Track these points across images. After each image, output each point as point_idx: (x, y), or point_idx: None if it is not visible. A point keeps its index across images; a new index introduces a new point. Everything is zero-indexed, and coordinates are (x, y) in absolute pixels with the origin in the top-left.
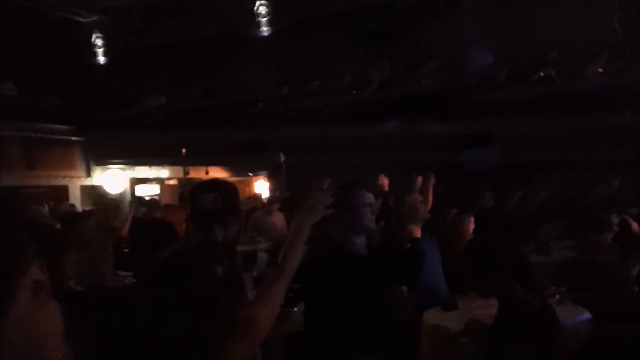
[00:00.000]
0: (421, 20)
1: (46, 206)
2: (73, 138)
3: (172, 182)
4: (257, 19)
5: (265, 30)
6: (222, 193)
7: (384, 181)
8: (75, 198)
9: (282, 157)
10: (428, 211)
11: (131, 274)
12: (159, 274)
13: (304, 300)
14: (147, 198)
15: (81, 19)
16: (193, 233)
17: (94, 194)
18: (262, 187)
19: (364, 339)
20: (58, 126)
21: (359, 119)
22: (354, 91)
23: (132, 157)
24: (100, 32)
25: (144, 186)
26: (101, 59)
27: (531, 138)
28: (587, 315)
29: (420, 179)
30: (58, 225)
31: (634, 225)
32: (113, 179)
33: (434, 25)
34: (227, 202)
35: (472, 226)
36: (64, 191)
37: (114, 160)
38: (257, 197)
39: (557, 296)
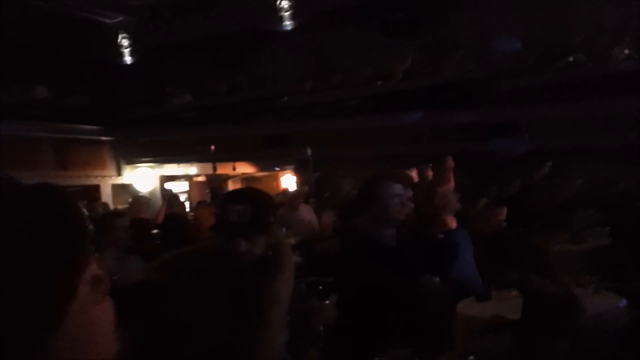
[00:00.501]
0: (446, 9)
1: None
2: (103, 138)
3: (200, 178)
4: (280, 14)
5: (288, 24)
6: (253, 206)
7: (413, 172)
8: (107, 197)
9: (309, 151)
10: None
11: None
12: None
13: (335, 294)
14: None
15: (107, 20)
16: (211, 239)
17: (125, 192)
18: (289, 181)
19: (397, 330)
20: (88, 126)
21: (384, 110)
22: (379, 82)
23: (161, 155)
24: (126, 32)
25: (172, 183)
26: (128, 59)
27: (560, 124)
28: (623, 302)
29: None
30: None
31: None
32: (143, 177)
33: (460, 13)
34: (257, 216)
35: (503, 215)
36: (96, 190)
37: (143, 159)
38: (285, 193)
39: (593, 285)
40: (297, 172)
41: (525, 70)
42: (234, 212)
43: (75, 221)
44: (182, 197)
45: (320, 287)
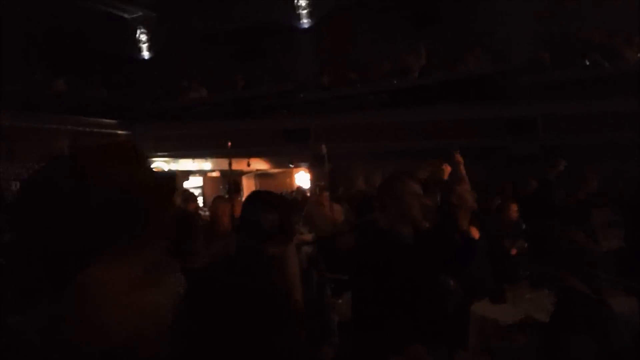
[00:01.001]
0: (465, 5)
1: None
2: (119, 131)
3: (215, 174)
4: (297, 9)
5: (305, 19)
6: (281, 215)
7: (447, 168)
8: None
9: (325, 148)
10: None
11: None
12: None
13: (349, 291)
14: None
15: (126, 15)
16: (233, 235)
17: None
18: (303, 178)
19: (411, 329)
20: (104, 120)
21: (400, 106)
22: (395, 78)
23: (176, 150)
24: (144, 27)
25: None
26: (145, 53)
27: (578, 121)
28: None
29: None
30: None
31: None
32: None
33: (479, 9)
34: (284, 224)
35: (515, 213)
36: None
37: (159, 153)
38: (299, 190)
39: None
40: (312, 168)
41: (542, 68)
42: (265, 220)
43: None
44: (196, 192)
45: (333, 285)
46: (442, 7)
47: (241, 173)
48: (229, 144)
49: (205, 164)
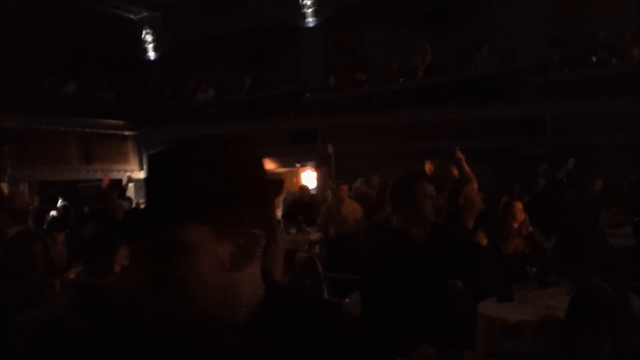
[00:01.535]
0: (473, 6)
1: None
2: (127, 132)
3: None
4: (303, 10)
5: (311, 20)
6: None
7: (454, 171)
8: (129, 191)
9: (331, 148)
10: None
11: None
12: None
13: (357, 291)
14: None
15: (132, 16)
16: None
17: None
18: (309, 178)
19: (420, 330)
20: (112, 121)
21: (409, 106)
22: (402, 80)
23: None
24: (151, 28)
25: None
26: (152, 55)
27: (586, 121)
28: None
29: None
30: None
31: None
32: None
33: (487, 10)
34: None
35: (521, 212)
36: (119, 184)
37: None
38: (304, 189)
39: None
40: (319, 168)
41: (550, 67)
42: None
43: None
44: None
45: (340, 284)
46: (450, 7)
47: None
48: None
49: None
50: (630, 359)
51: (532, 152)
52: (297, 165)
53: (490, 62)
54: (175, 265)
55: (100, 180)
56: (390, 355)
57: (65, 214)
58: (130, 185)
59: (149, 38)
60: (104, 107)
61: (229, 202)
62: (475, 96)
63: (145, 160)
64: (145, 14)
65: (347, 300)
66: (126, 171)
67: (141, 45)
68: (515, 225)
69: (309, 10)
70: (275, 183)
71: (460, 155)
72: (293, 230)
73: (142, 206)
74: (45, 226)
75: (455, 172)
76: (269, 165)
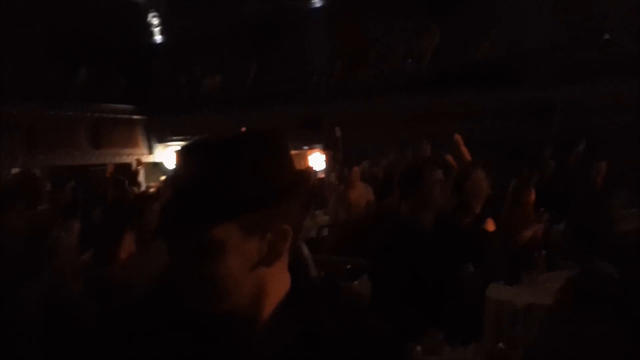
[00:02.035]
0: None
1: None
2: (135, 117)
3: None
4: None
5: (317, 3)
6: None
7: (449, 158)
8: (139, 175)
9: (339, 131)
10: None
11: None
12: None
13: (366, 274)
14: None
15: (139, 1)
16: None
17: (157, 171)
18: (317, 160)
19: (429, 314)
20: (121, 106)
21: (417, 90)
22: (409, 60)
23: (191, 134)
24: (157, 12)
25: None
26: (159, 40)
27: (596, 104)
28: None
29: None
30: None
31: None
32: (173, 156)
33: None
34: None
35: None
36: (128, 169)
37: (175, 138)
38: (310, 172)
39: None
40: (327, 150)
41: (560, 50)
42: None
43: None
44: None
45: (349, 267)
46: None
47: None
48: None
49: None
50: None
51: (540, 136)
52: (305, 148)
53: (498, 45)
54: (205, 261)
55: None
56: (400, 340)
57: (75, 199)
58: (140, 169)
59: (155, 21)
60: (112, 92)
61: (261, 200)
62: (484, 80)
63: (176, 152)
64: None
65: (355, 282)
66: (135, 155)
67: (147, 29)
68: (526, 209)
69: None
70: (305, 179)
71: (458, 139)
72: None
73: (172, 201)
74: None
75: (450, 158)
76: None
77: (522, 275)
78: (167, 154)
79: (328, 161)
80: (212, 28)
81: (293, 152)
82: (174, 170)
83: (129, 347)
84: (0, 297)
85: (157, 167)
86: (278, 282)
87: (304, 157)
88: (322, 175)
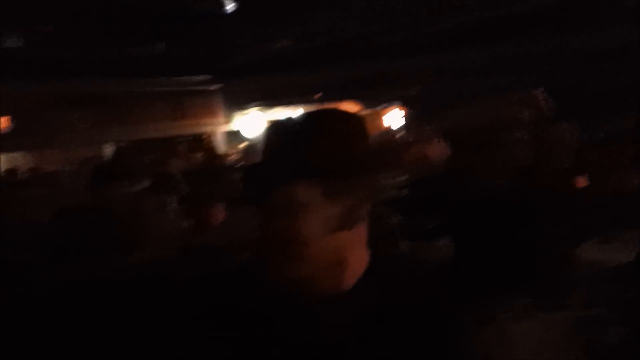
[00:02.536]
0: None
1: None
2: (212, 87)
3: None
4: None
5: None
6: None
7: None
8: (218, 144)
9: (414, 88)
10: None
11: None
12: None
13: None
14: None
15: None
16: None
17: (235, 139)
18: (394, 119)
19: (516, 277)
20: (198, 77)
21: (489, 39)
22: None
23: (267, 99)
24: None
25: None
26: (230, 6)
27: None
28: None
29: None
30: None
31: None
32: (251, 123)
33: None
34: None
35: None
36: (208, 138)
37: (251, 104)
38: (388, 131)
39: None
40: (403, 108)
41: None
42: None
43: None
44: None
45: (431, 227)
46: None
47: None
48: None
49: (298, 110)
50: None
51: (621, 84)
52: (381, 106)
53: None
54: (288, 224)
55: (191, 135)
56: (482, 302)
57: (164, 171)
58: (219, 139)
59: None
60: (188, 63)
61: (342, 165)
62: (552, 24)
63: (266, 127)
64: None
65: (439, 244)
66: (214, 125)
67: None
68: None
69: None
70: (381, 146)
71: (536, 93)
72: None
73: (257, 166)
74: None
75: (526, 114)
76: (353, 107)
77: (616, 232)
78: (244, 122)
79: (405, 119)
80: None
81: (370, 110)
82: (260, 139)
83: (219, 312)
84: (103, 269)
85: (236, 135)
86: (358, 249)
87: (381, 115)
88: (400, 133)
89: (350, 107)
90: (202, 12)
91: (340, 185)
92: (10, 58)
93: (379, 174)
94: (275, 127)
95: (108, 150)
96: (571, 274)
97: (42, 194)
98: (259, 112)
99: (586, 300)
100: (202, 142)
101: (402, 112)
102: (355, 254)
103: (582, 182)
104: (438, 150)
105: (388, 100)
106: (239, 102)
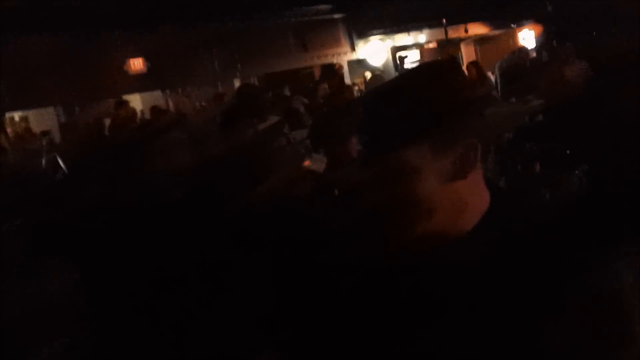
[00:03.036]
0: None
1: None
2: (335, 15)
3: (431, 45)
4: None
5: None
6: None
7: None
8: (345, 73)
9: (549, 5)
10: None
11: None
12: None
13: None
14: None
15: None
16: None
17: (360, 67)
18: (527, 38)
19: None
20: (322, 6)
21: None
22: None
23: (391, 26)
24: None
25: (404, 53)
26: None
27: None
28: None
29: None
30: None
31: None
32: (375, 50)
33: None
34: None
35: None
36: (333, 69)
37: (375, 32)
38: (522, 50)
39: None
40: (537, 26)
41: None
42: None
43: None
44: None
45: (568, 153)
46: None
47: (459, 40)
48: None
49: (421, 36)
50: None
51: None
52: (513, 25)
53: None
54: (401, 185)
55: (316, 67)
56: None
57: (291, 105)
58: (344, 69)
59: None
60: None
61: (449, 118)
62: None
63: (365, 94)
64: None
65: (575, 172)
66: (339, 54)
67: None
68: None
69: None
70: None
71: None
72: (512, 99)
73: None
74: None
75: None
76: (482, 29)
77: None
78: (369, 50)
79: (539, 38)
80: None
81: (499, 31)
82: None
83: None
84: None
85: (361, 63)
86: (477, 194)
87: (513, 36)
88: (533, 54)
89: (478, 29)
90: None
91: (449, 139)
92: (143, 1)
93: (489, 118)
94: (376, 93)
95: (237, 87)
96: None
97: (177, 134)
98: (383, 40)
99: None
100: (328, 74)
101: (535, 32)
102: (474, 196)
103: None
104: (576, 72)
105: (519, 20)
106: (363, 30)
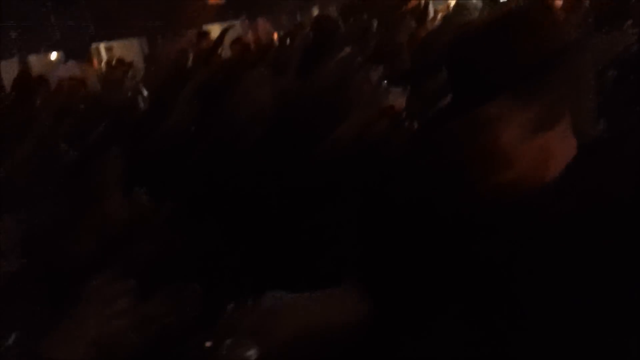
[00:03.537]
0: None
1: None
2: None
3: None
4: None
5: None
6: None
7: None
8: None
9: None
10: None
11: None
12: None
13: None
14: None
15: None
16: None
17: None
18: None
19: None
20: None
21: None
22: None
23: None
24: None
25: None
26: None
27: None
28: None
29: None
30: None
31: None
32: None
33: None
34: None
35: None
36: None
37: None
38: None
39: None
40: None
41: None
42: None
43: None
44: None
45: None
46: None
47: None
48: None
49: None
50: None
51: None
52: None
53: None
54: (486, 139)
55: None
56: None
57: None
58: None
59: None
60: None
61: (532, 71)
62: None
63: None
64: None
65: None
66: None
67: None
68: None
69: None
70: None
71: None
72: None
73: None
74: None
75: None
76: None
77: None
78: None
79: None
80: None
81: None
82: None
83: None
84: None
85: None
86: (563, 143)
87: None
88: None
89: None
90: None
91: (534, 91)
92: None
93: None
94: (459, 44)
95: (314, 16)
96: None
97: (259, 71)
98: None
99: None
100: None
101: None
102: (559, 145)
103: None
104: None
105: None
106: None
